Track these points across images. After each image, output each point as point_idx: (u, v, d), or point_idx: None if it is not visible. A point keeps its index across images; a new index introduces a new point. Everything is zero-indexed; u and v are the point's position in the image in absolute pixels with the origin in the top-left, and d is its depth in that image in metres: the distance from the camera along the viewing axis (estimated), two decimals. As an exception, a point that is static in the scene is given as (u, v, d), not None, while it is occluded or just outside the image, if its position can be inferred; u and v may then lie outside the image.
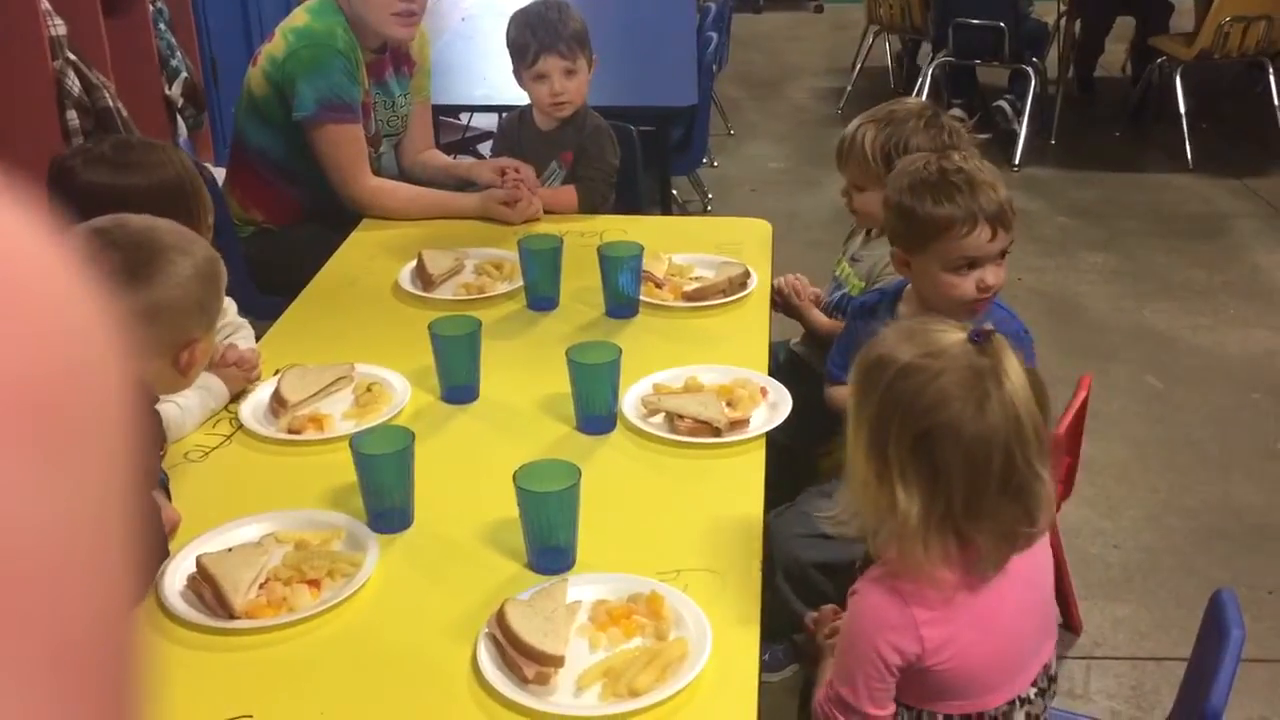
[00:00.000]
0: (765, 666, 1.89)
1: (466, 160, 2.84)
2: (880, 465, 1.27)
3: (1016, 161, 5.12)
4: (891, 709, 1.35)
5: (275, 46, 2.58)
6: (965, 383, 1.25)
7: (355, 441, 1.51)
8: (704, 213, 4.54)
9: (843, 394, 1.95)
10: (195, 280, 1.41)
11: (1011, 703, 1.39)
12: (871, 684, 1.31)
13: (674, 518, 1.58)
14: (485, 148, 4.23)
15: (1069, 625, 2.33)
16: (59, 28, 3.08)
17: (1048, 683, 1.45)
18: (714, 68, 4.16)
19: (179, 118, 3.91)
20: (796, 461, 2.21)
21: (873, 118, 2.17)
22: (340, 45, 2.52)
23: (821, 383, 2.30)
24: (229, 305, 1.99)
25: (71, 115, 3.09)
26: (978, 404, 1.24)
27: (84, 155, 1.88)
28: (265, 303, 2.46)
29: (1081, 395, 1.93)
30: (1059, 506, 1.85)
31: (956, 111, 5.62)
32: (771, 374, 2.35)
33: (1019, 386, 1.26)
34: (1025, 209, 4.67)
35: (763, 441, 1.75)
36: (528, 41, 2.55)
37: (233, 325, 1.97)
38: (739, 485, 1.64)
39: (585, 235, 2.50)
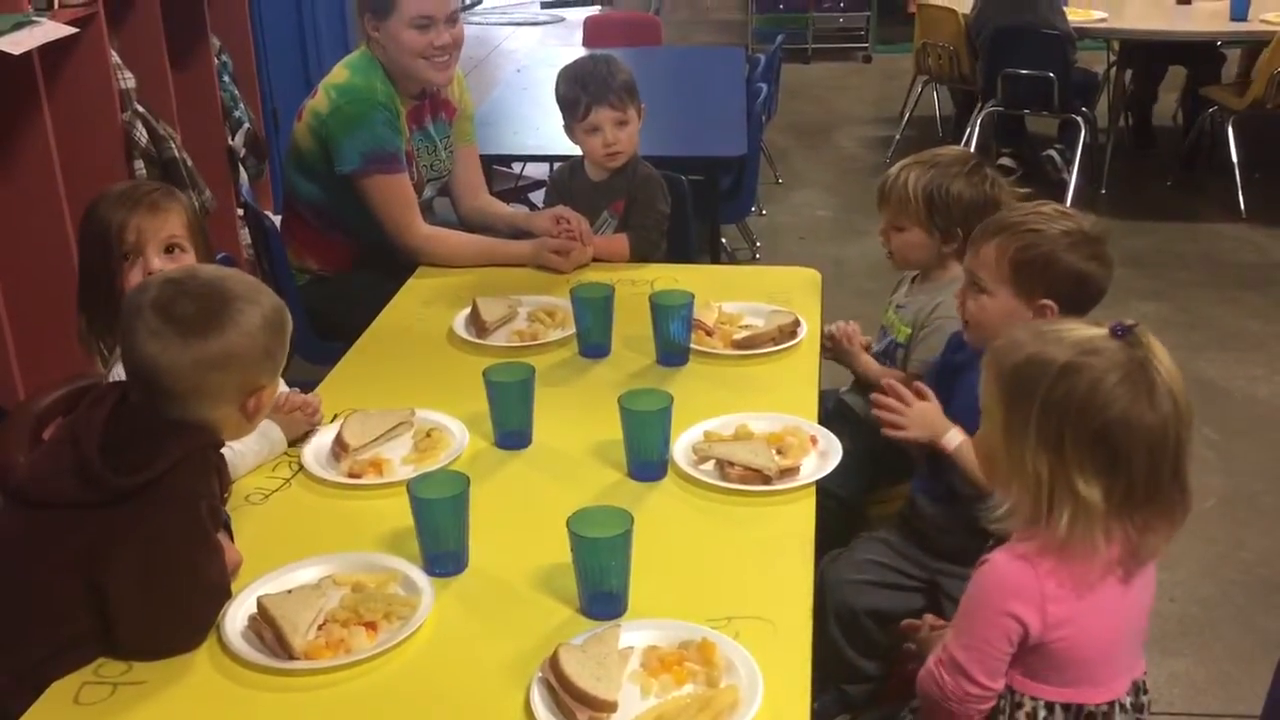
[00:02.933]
0: (815, 715, 1.88)
1: (523, 210, 2.89)
2: (1055, 459, 1.34)
3: (1066, 211, 5.10)
4: (1001, 684, 1.41)
5: (319, 102, 2.65)
6: (1131, 377, 1.33)
7: (412, 486, 1.54)
8: (752, 260, 4.57)
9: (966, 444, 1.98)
10: (263, 329, 1.45)
11: (1112, 704, 1.43)
12: (988, 651, 1.39)
13: (725, 565, 1.59)
14: (537, 196, 4.31)
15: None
16: (128, 81, 3.19)
17: (1142, 699, 1.48)
18: (763, 118, 4.21)
19: (241, 167, 4.02)
20: (846, 509, 2.22)
21: (917, 160, 2.21)
22: (380, 98, 2.59)
23: (870, 430, 2.32)
24: None
25: (139, 165, 3.20)
26: (1148, 395, 1.32)
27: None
28: (324, 348, 2.52)
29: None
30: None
31: (1006, 161, 5.65)
32: (821, 422, 2.38)
33: (1173, 370, 1.36)
34: (1076, 258, 4.65)
35: (813, 490, 1.75)
36: (578, 96, 2.60)
37: None
38: (790, 533, 1.65)
39: (636, 284, 2.54)
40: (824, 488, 1.83)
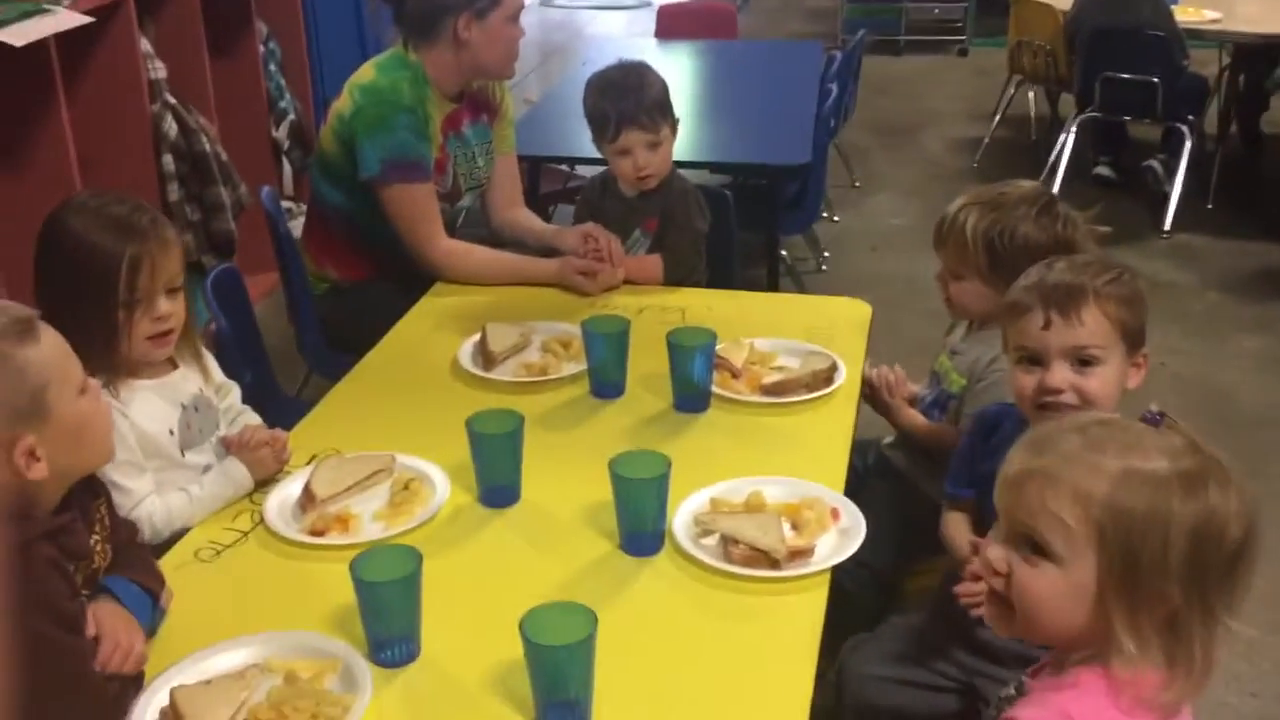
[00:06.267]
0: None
1: (553, 226, 2.69)
2: (1192, 587, 1.08)
3: (1167, 227, 4.74)
4: None
5: (343, 104, 2.48)
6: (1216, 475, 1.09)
7: (355, 565, 1.35)
8: (817, 271, 4.31)
9: (959, 521, 1.73)
10: None
11: None
12: None
13: (713, 667, 1.38)
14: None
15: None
16: (158, 71, 3.07)
17: None
18: (831, 121, 3.94)
19: (285, 160, 3.89)
20: (879, 581, 1.98)
21: (979, 199, 1.94)
22: (406, 101, 2.41)
23: (911, 491, 2.08)
24: (233, 390, 1.86)
25: (167, 159, 3.08)
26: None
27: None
28: (336, 361, 2.37)
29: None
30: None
31: (1102, 170, 5.29)
32: (859, 475, 2.14)
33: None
34: (1172, 281, 4.32)
35: (827, 577, 1.53)
36: (607, 113, 2.39)
37: (236, 410, 1.85)
38: (792, 633, 1.43)
39: (667, 310, 2.33)
40: (857, 558, 1.60)
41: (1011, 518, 1.12)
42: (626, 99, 2.38)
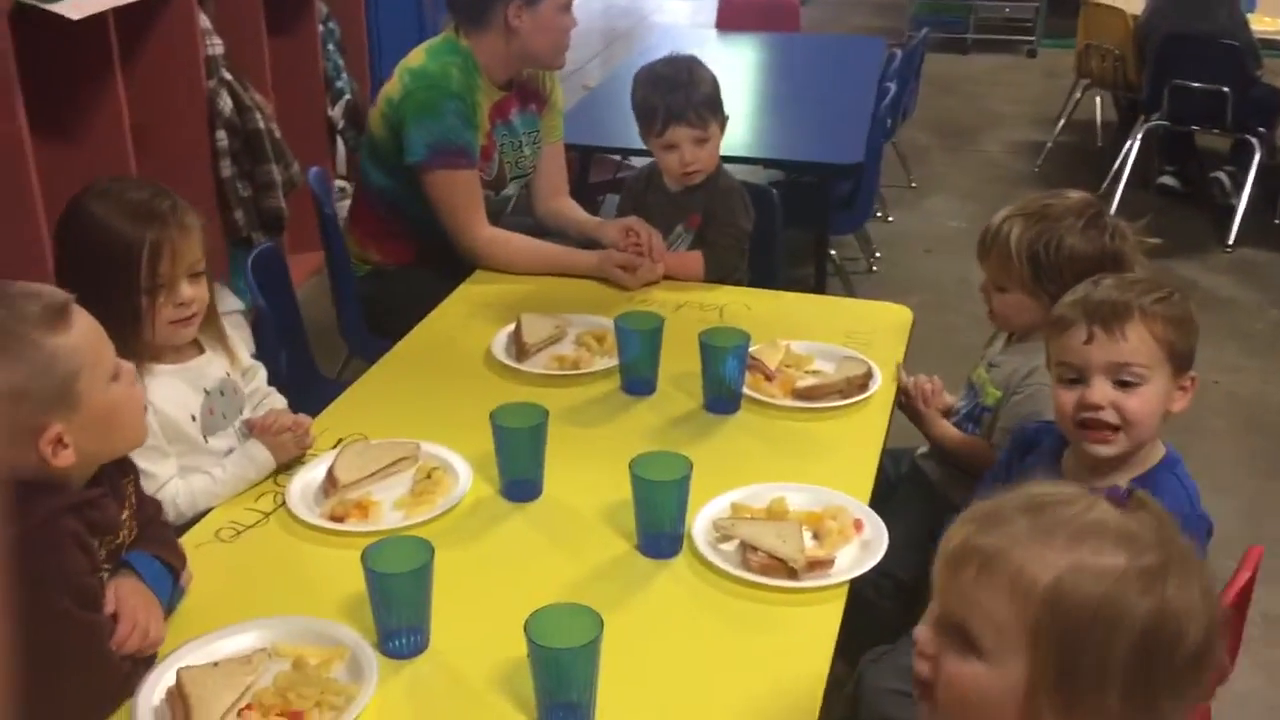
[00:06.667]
0: None
1: (595, 218, 2.68)
2: (1142, 694, 0.95)
3: (1231, 241, 4.62)
4: None
5: (392, 88, 2.49)
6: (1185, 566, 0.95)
7: (366, 555, 1.35)
8: (868, 273, 4.26)
9: None
10: None
11: None
12: None
13: (721, 675, 1.36)
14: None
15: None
16: (216, 47, 3.09)
17: None
18: (888, 121, 3.88)
19: (340, 139, 3.92)
20: (905, 593, 1.95)
21: (1024, 210, 1.89)
22: (454, 87, 2.41)
23: (942, 502, 2.04)
24: (259, 371, 1.87)
25: (221, 135, 3.11)
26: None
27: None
28: (375, 344, 2.37)
29: (1246, 574, 1.60)
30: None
31: (1168, 180, 5.16)
32: (890, 483, 2.11)
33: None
34: (1232, 297, 4.20)
35: (844, 591, 1.50)
36: (656, 107, 2.37)
37: (261, 393, 1.85)
38: (804, 646, 1.41)
39: (705, 308, 2.31)
40: (881, 568, 1.57)
41: (944, 600, 0.99)
42: (675, 94, 2.36)
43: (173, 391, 1.67)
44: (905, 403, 2.04)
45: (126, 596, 1.34)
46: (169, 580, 1.42)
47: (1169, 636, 0.92)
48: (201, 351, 1.74)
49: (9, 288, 1.31)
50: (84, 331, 1.30)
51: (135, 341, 1.61)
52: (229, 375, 1.77)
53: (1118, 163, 5.02)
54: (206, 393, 1.71)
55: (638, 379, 1.99)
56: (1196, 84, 4.66)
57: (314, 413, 1.85)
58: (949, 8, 8.25)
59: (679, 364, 2.00)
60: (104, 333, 1.34)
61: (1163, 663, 0.92)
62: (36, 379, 1.25)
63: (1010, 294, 1.89)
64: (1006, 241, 1.85)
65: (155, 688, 1.29)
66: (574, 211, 2.72)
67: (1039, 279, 1.83)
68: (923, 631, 1.01)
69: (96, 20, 2.55)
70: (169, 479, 1.61)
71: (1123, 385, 1.52)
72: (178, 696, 1.26)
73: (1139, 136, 4.98)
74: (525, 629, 1.23)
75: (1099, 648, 0.91)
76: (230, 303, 2.80)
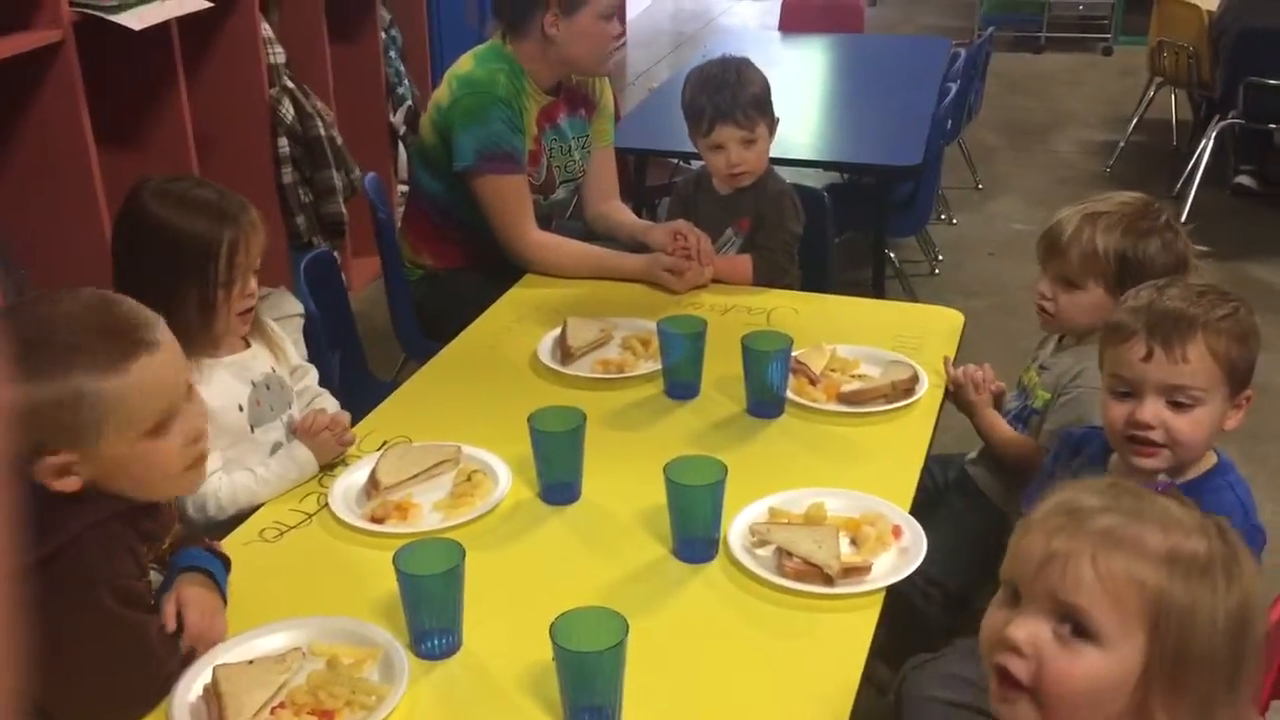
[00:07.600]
0: None
1: (645, 222, 2.68)
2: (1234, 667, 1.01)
3: (1310, 242, 4.48)
4: None
5: (441, 94, 2.51)
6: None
7: (398, 557, 1.37)
8: (929, 275, 4.20)
9: None
10: None
11: None
12: None
13: (752, 681, 1.35)
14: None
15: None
16: (278, 55, 3.15)
17: None
18: (949, 122, 3.83)
19: (401, 145, 3.97)
20: (953, 602, 1.92)
21: (1093, 211, 1.85)
22: (502, 93, 2.43)
23: (990, 510, 2.01)
24: (310, 372, 1.90)
25: (283, 142, 3.16)
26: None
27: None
28: (429, 347, 2.40)
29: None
30: None
31: (1244, 180, 5.02)
32: (938, 489, 2.08)
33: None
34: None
35: (880, 598, 1.48)
36: (703, 107, 2.37)
37: (312, 393, 1.88)
38: (838, 653, 1.39)
39: (753, 311, 2.30)
40: (928, 575, 1.55)
41: (1051, 594, 0.98)
42: (723, 93, 2.35)
43: (220, 384, 1.71)
44: (956, 392, 2.01)
45: (192, 600, 1.37)
46: (223, 569, 1.46)
47: (1248, 624, 0.97)
48: (248, 346, 1.79)
49: (114, 306, 1.31)
50: (139, 383, 1.26)
51: (205, 334, 1.68)
52: (275, 370, 1.81)
53: (1191, 162, 4.89)
54: (253, 385, 1.76)
55: (680, 383, 1.99)
56: (1273, 81, 4.53)
57: (366, 415, 1.89)
58: (1022, 5, 8.11)
59: (724, 367, 1.99)
60: (169, 385, 1.31)
61: (1249, 649, 0.97)
62: (56, 407, 1.22)
63: (1085, 293, 1.85)
64: (1093, 243, 1.82)
65: (193, 685, 1.31)
66: (623, 215, 2.72)
67: (1124, 280, 1.79)
68: (1021, 632, 0.99)
69: (160, 30, 2.62)
70: (212, 472, 1.64)
71: (1176, 405, 1.48)
72: (213, 694, 1.28)
73: (1213, 135, 4.85)
74: (550, 631, 1.24)
75: (1207, 628, 0.95)
76: (290, 306, 2.85)
